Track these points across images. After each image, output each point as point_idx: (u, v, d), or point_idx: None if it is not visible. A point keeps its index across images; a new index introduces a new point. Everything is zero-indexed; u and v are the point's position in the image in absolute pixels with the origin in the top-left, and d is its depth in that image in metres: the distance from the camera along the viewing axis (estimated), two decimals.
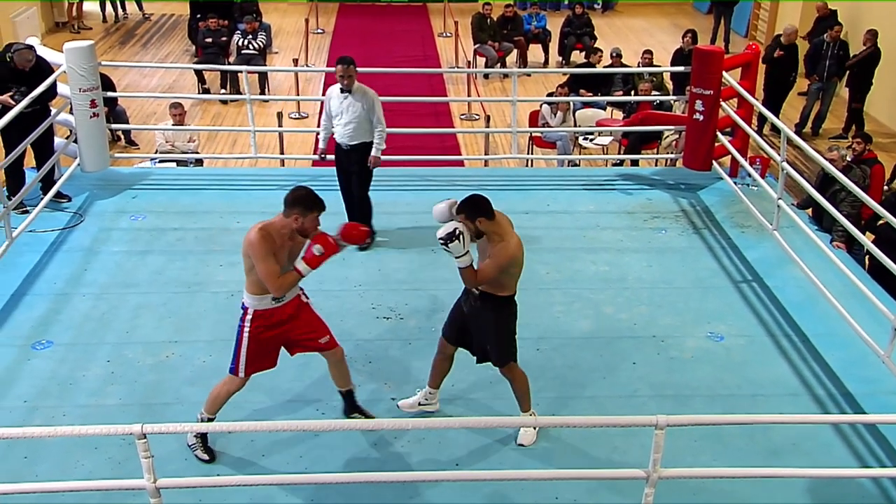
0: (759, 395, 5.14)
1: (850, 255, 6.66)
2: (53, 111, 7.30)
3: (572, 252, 6.76)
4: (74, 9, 16.30)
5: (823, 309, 5.77)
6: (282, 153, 9.74)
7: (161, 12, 17.63)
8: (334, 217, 5.08)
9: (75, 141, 7.61)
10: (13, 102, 6.63)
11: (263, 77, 12.88)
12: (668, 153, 9.27)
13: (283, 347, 4.55)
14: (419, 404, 4.88)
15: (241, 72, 9.89)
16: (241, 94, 11.91)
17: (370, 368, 5.35)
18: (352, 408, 4.84)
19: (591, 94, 11.12)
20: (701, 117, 7.67)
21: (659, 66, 11.28)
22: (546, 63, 15.04)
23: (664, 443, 3.45)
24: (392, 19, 17.85)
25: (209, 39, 13.07)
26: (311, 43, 15.05)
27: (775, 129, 8.51)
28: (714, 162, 7.89)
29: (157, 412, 4.82)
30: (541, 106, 10.29)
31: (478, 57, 14.52)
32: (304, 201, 4.27)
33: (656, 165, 9.11)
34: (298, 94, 12.46)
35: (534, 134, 10.29)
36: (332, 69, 6.88)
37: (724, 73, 7.55)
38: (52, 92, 7.20)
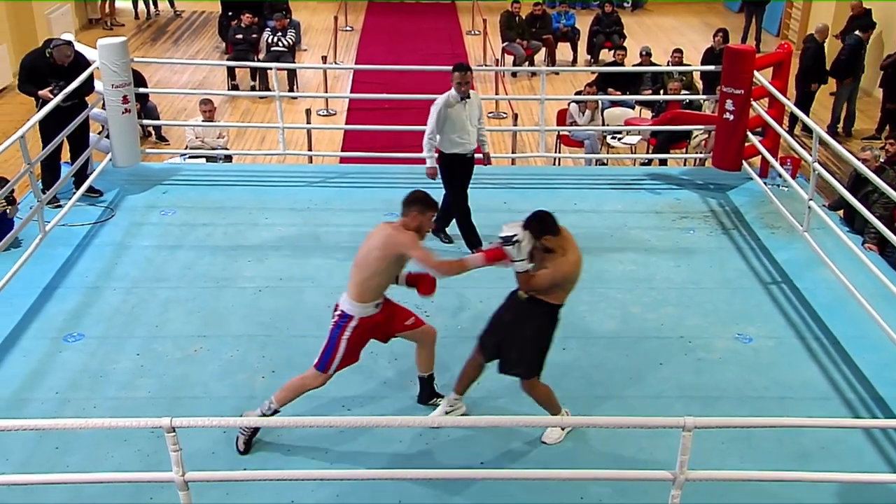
0: (787, 397, 5.07)
1: (883, 258, 6.57)
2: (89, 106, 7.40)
3: (599, 251, 6.71)
4: (107, 6, 16.49)
5: (854, 311, 5.69)
6: (310, 150, 9.78)
7: (192, 9, 17.78)
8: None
9: (107, 136, 7.70)
10: (52, 97, 6.73)
11: (292, 74, 12.94)
12: (697, 153, 9.19)
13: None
14: (445, 413, 4.80)
15: (270, 69, 9.93)
16: (270, 90, 11.98)
17: (396, 365, 5.35)
18: (430, 395, 4.91)
19: (619, 92, 11.06)
20: (731, 117, 7.59)
21: (689, 66, 11.18)
22: (574, 61, 14.97)
23: (691, 444, 3.41)
24: (420, 17, 17.87)
25: (239, 36, 13.16)
26: (340, 40, 15.10)
27: (806, 130, 8.41)
28: (744, 162, 7.81)
29: (185, 406, 4.86)
30: (569, 104, 10.24)
31: (506, 55, 14.48)
32: (421, 200, 4.52)
33: (685, 165, 9.04)
34: (327, 92, 12.51)
35: (561, 133, 10.24)
36: (362, 67, 6.85)
37: (755, 72, 7.47)
38: (90, 87, 7.29)
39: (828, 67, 11.60)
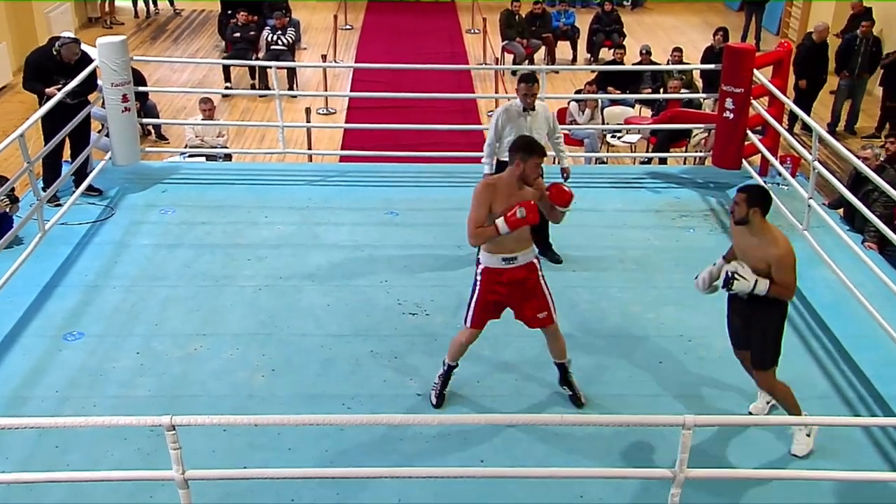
0: None
1: (883, 256, 6.57)
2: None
3: (599, 250, 6.72)
4: (107, 4, 16.50)
5: (854, 310, 5.70)
6: (309, 148, 9.78)
7: (191, 8, 17.80)
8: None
9: (107, 135, 7.70)
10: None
11: (292, 73, 12.95)
12: (697, 151, 9.19)
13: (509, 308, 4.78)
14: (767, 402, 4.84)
15: (270, 67, 9.94)
16: (269, 89, 11.98)
17: (396, 364, 5.36)
18: (563, 380, 4.99)
19: (619, 91, 11.07)
20: (731, 115, 7.60)
21: (688, 64, 11.19)
22: (574, 60, 14.97)
23: (691, 443, 3.42)
24: (420, 16, 17.88)
25: (238, 35, 13.17)
26: (340, 39, 15.10)
27: (807, 128, 8.42)
28: (744, 161, 7.82)
29: (185, 404, 4.86)
30: (569, 103, 10.25)
31: (506, 54, 14.49)
32: (524, 147, 4.49)
33: (685, 164, 9.04)
34: (327, 90, 12.52)
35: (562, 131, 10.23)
36: (362, 65, 6.80)
37: (755, 71, 7.47)
38: (94, 85, 7.30)
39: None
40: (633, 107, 10.89)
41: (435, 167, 8.33)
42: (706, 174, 8.09)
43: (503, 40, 14.46)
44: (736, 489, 4.28)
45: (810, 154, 6.55)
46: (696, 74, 11.36)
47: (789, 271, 4.32)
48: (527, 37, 14.32)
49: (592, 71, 11.87)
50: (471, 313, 4.73)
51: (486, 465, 4.51)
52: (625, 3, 18.26)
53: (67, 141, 7.10)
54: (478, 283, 4.68)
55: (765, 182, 7.54)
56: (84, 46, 7.51)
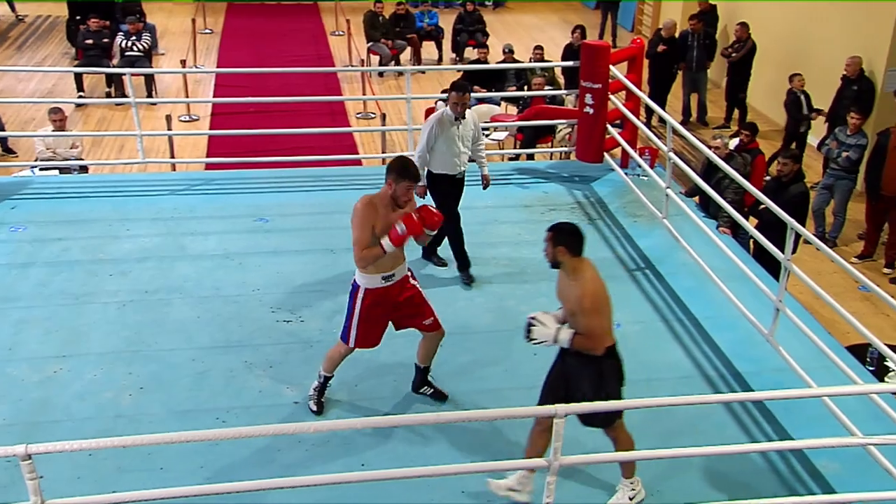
0: (654, 379, 5.29)
1: (736, 240, 6.94)
2: None
3: (473, 247, 6.79)
4: None
5: (712, 293, 6.00)
6: (172, 157, 9.47)
7: (36, 13, 16.86)
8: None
9: None
10: None
11: (150, 79, 12.50)
12: (562, 146, 9.46)
13: (390, 323, 4.79)
14: (509, 489, 4.29)
15: (125, 74, 9.56)
16: (126, 97, 11.52)
17: (271, 373, 5.27)
18: (422, 383, 5.05)
19: (484, 90, 11.24)
20: (591, 110, 7.85)
21: (550, 62, 11.49)
22: (440, 60, 15.11)
23: (564, 431, 3.51)
24: (283, 19, 17.61)
25: (90, 41, 12.59)
26: (200, 43, 14.68)
27: (663, 121, 8.81)
28: (606, 154, 8.10)
29: (45, 430, 4.62)
30: (436, 102, 10.32)
31: (371, 55, 14.47)
32: (398, 169, 4.47)
33: (551, 159, 9.29)
34: (188, 97, 12.15)
35: None
36: (224, 70, 6.63)
37: (611, 67, 7.75)
38: None
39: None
40: (499, 105, 11.09)
41: (304, 171, 8.23)
42: (571, 168, 8.34)
43: (368, 42, 14.43)
44: (610, 472, 4.43)
45: (666, 145, 6.86)
46: (558, 71, 11.69)
47: (588, 315, 3.98)
48: (391, 38, 14.35)
49: (458, 70, 12.01)
50: (353, 334, 4.70)
51: (368, 469, 4.49)
52: (487, 3, 18.57)
53: None
54: (358, 305, 4.63)
55: (626, 174, 7.84)
56: None
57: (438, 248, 6.54)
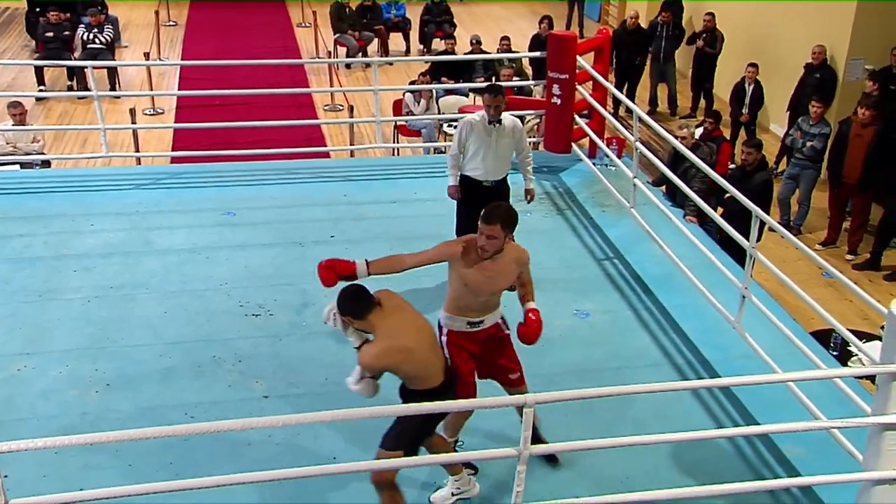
0: (624, 367, 5.35)
1: (702, 228, 7.02)
2: None
3: (443, 238, 6.79)
4: None
5: (679, 281, 6.05)
6: (137, 151, 9.37)
7: None
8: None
9: None
10: None
11: (113, 72, 12.35)
12: (530, 137, 9.47)
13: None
14: (452, 494, 4.30)
15: (87, 67, 9.43)
16: (89, 90, 11.36)
17: (240, 367, 5.24)
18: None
19: (453, 81, 11.24)
20: (559, 101, 7.88)
21: (517, 52, 11.51)
22: (407, 51, 15.09)
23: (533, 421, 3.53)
24: (248, 11, 17.44)
25: (51, 34, 12.41)
26: (164, 36, 14.53)
27: (630, 111, 8.87)
28: (573, 144, 8.13)
29: (9, 429, 4.55)
30: (404, 94, 10.32)
31: (338, 47, 14.41)
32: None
33: None
34: (152, 90, 12.02)
35: (398, 122, 10.31)
36: (189, 62, 6.53)
37: (578, 57, 7.78)
38: None
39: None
40: (467, 96, 11.08)
41: (271, 164, 8.19)
42: (539, 159, 8.31)
43: (335, 33, 14.37)
44: (581, 460, 4.47)
45: (632, 135, 6.91)
46: (526, 62, 11.71)
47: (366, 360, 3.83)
48: (358, 29, 14.30)
49: (426, 62, 12.00)
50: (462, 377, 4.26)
51: (339, 462, 4.48)
52: None
53: None
54: (444, 341, 4.26)
55: (594, 164, 7.88)
56: None
57: None
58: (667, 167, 6.87)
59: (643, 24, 12.60)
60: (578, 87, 7.91)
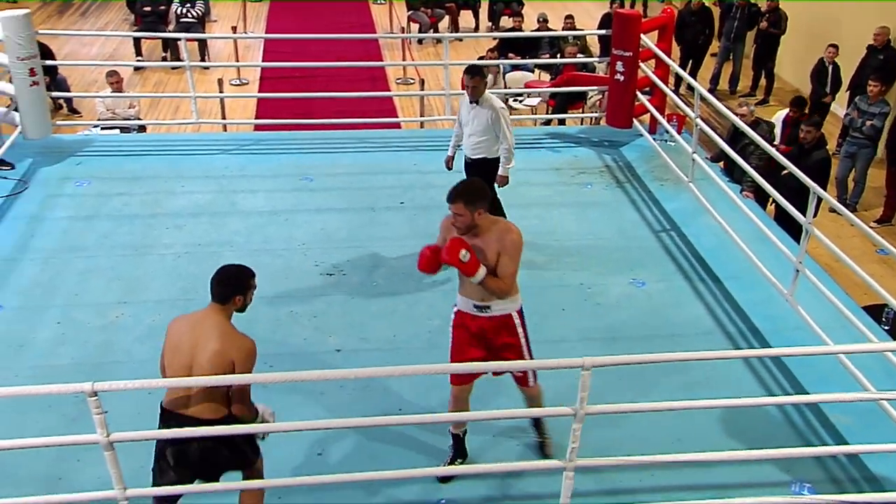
0: (677, 334, 5.26)
1: (758, 204, 6.83)
2: None
3: (505, 208, 6.76)
4: None
5: (734, 254, 5.92)
6: (223, 118, 9.51)
7: None
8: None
9: (16, 109, 7.30)
10: None
11: (203, 44, 12.51)
12: (592, 112, 9.33)
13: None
14: None
15: (180, 40, 9.58)
16: (181, 61, 11.56)
17: (315, 322, 5.32)
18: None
19: (519, 57, 11.10)
20: (622, 78, 7.72)
21: (582, 30, 11.30)
22: (476, 28, 14.92)
23: (590, 382, 3.51)
24: None
25: (148, 8, 12.63)
26: (249, 11, 14.63)
27: (691, 89, 8.65)
28: (635, 120, 7.97)
29: (108, 370, 4.72)
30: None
31: (411, 23, 14.32)
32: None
33: (582, 124, 9.18)
34: (238, 61, 12.16)
35: None
36: (272, 36, 6.57)
37: (642, 35, 7.59)
38: None
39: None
40: (532, 72, 10.95)
41: (346, 133, 8.22)
42: (601, 133, 8.23)
43: (408, 10, 14.28)
44: (632, 421, 4.43)
45: (693, 112, 6.73)
46: (592, 40, 11.49)
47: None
48: (431, 6, 14.19)
49: (494, 38, 11.85)
50: (451, 353, 4.13)
51: (404, 413, 4.54)
52: None
53: None
54: (451, 324, 4.11)
55: (654, 139, 7.72)
56: None
57: None
58: (726, 143, 6.69)
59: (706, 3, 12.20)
60: (641, 64, 7.73)
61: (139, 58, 12.43)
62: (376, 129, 8.61)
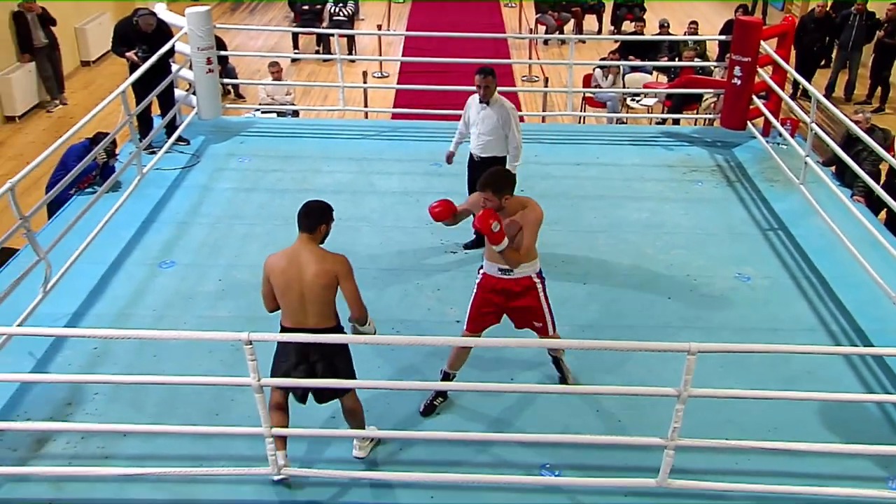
0: (779, 329, 5.02)
1: (869, 208, 6.39)
2: (175, 67, 7.39)
3: (618, 200, 6.64)
4: None
5: (841, 255, 5.58)
6: (366, 107, 9.73)
7: None
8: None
9: (194, 93, 7.73)
10: (137, 59, 6.79)
11: (351, 40, 12.81)
12: (706, 114, 8.96)
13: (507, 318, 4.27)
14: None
15: (332, 35, 9.84)
16: (332, 54, 11.89)
17: (438, 295, 5.39)
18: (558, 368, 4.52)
19: (639, 59, 10.78)
20: (739, 82, 7.37)
21: (699, 36, 10.85)
22: (599, 31, 14.59)
23: (694, 367, 3.41)
24: None
25: (306, 7, 13.04)
26: (394, 11, 14.86)
27: (805, 96, 8.16)
28: (749, 122, 7.61)
29: (261, 324, 4.87)
30: (594, 69, 10.02)
31: (539, 25, 14.16)
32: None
33: (696, 124, 8.83)
34: (381, 56, 12.37)
35: (586, 94, 10.05)
36: (412, 34, 6.60)
37: (761, 42, 7.22)
38: (169, 50, 7.29)
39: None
40: (651, 73, 10.62)
41: None
42: (714, 134, 7.91)
43: (537, 13, 14.13)
44: (731, 407, 4.27)
45: (808, 117, 6.36)
46: (710, 45, 11.02)
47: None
48: (558, 10, 13.98)
49: (616, 41, 11.56)
50: (466, 317, 4.25)
51: (515, 382, 4.55)
52: None
53: (154, 99, 7.12)
54: (476, 286, 4.22)
55: (767, 141, 7.35)
56: (170, 15, 7.51)
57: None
58: (840, 148, 6.28)
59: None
60: (759, 69, 7.35)
61: (296, 51, 12.87)
62: None
